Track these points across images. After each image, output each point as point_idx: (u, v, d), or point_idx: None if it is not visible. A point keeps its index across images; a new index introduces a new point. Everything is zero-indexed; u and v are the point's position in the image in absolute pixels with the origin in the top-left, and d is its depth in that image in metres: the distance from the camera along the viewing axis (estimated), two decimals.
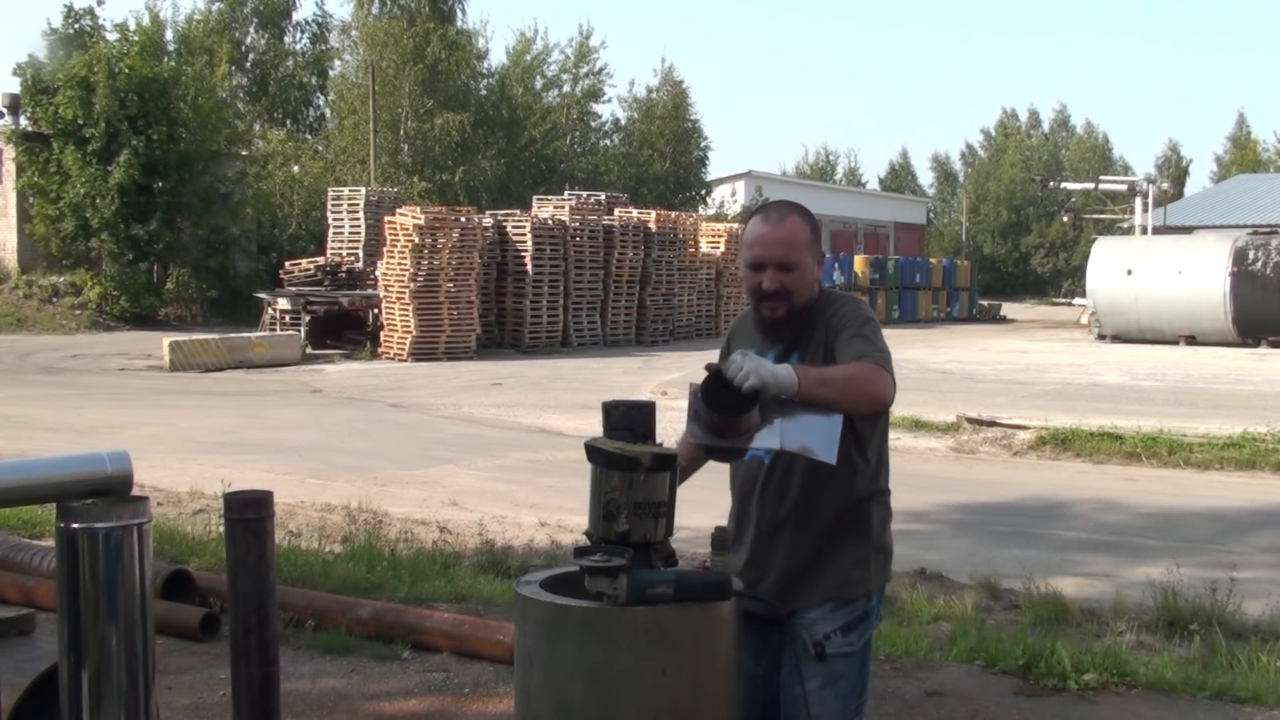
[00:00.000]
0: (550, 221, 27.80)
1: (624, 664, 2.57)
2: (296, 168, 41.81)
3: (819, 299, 3.05)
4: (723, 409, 2.72)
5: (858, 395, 2.82)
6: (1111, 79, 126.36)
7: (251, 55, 51.04)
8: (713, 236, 33.78)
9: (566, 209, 28.97)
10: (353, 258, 28.95)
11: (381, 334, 24.82)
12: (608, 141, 53.22)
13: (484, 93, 47.39)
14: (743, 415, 2.73)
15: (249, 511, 3.71)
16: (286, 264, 29.38)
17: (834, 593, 2.99)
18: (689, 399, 2.82)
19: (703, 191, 53.62)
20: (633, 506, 2.61)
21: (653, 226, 29.79)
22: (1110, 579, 7.50)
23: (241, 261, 35.78)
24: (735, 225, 37.04)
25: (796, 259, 2.98)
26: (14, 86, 32.93)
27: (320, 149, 46.08)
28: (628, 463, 2.60)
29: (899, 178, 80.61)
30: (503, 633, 5.23)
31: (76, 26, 33.51)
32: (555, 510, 9.01)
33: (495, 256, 26.78)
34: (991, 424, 13.85)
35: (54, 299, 31.60)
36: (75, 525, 2.37)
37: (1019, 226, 72.95)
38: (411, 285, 23.96)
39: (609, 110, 70.75)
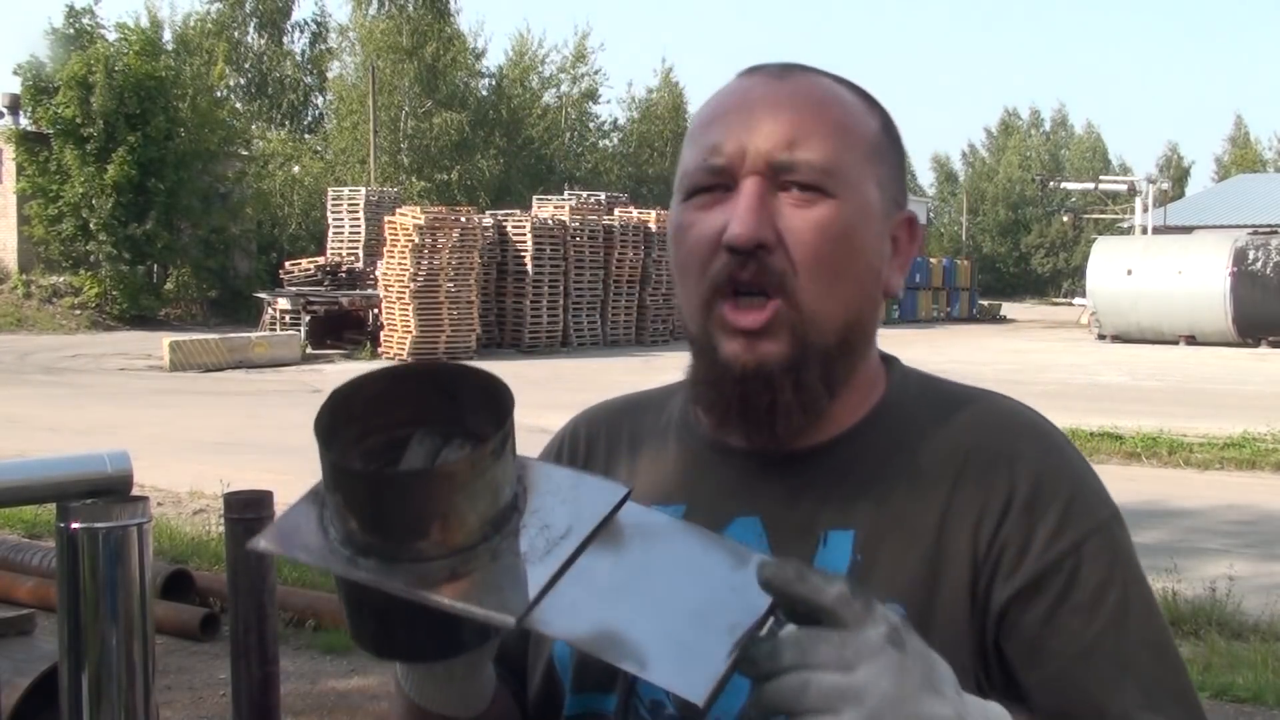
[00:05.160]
0: (550, 221, 27.79)
1: None
2: (296, 168, 41.86)
3: (902, 387, 1.11)
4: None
5: None
6: (1111, 79, 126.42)
7: (250, 56, 51.07)
8: None
9: (566, 209, 28.97)
10: (353, 258, 28.96)
11: (381, 334, 24.81)
12: (607, 141, 53.28)
13: (483, 93, 47.43)
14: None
15: (249, 511, 3.71)
16: (286, 264, 29.40)
17: None
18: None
19: None
20: None
21: (653, 226, 29.76)
22: None
23: (241, 261, 35.80)
24: None
25: (826, 162, 0.99)
26: (14, 86, 33.01)
27: (320, 149, 46.12)
28: None
29: None
30: None
31: (77, 26, 33.55)
32: None
33: (495, 256, 26.78)
34: None
35: (53, 299, 31.62)
36: (75, 525, 2.36)
37: (1019, 226, 73.01)
38: (411, 285, 23.96)
39: (608, 111, 70.82)
